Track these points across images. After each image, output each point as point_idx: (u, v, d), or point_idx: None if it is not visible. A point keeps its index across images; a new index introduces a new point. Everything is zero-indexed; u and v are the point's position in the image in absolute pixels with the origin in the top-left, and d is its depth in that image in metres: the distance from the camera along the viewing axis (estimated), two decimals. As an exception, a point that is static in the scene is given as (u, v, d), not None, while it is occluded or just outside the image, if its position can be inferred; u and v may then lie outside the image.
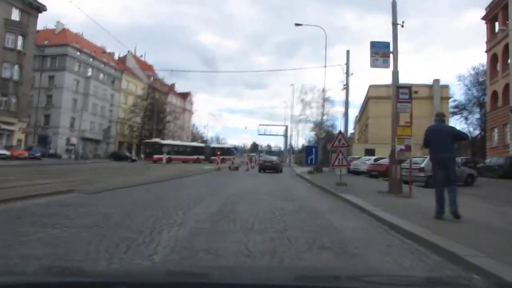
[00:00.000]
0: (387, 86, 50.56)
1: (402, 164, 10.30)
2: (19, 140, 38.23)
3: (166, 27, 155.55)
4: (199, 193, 10.08)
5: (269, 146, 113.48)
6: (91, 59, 53.39)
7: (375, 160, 22.57)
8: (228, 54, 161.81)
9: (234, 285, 1.28)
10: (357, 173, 21.82)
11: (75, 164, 31.45)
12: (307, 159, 22.30)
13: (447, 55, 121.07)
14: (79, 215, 5.79)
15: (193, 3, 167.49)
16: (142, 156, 48.11)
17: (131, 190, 10.33)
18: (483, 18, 35.45)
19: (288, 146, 60.65)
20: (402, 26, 11.51)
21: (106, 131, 54.69)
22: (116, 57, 64.74)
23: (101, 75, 55.43)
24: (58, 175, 14.97)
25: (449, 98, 50.56)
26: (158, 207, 6.96)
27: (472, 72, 49.59)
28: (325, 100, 35.22)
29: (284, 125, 60.37)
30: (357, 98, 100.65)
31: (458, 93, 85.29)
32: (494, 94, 33.48)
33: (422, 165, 14.68)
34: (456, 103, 52.48)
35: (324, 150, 28.79)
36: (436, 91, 47.80)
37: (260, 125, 67.87)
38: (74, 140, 45.90)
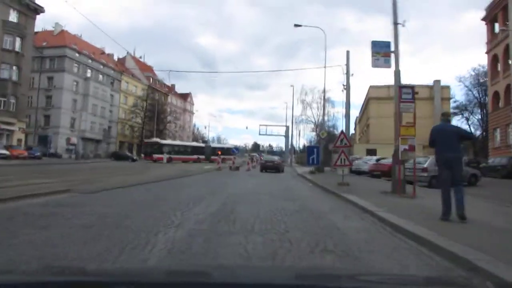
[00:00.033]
0: (387, 86, 50.70)
1: (405, 164, 10.15)
2: (19, 140, 38.20)
3: (165, 28, 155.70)
4: (199, 193, 9.94)
5: (270, 146, 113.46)
6: (90, 60, 53.28)
7: (377, 160, 22.41)
8: (227, 55, 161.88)
9: (234, 285, 1.28)
10: (359, 173, 21.64)
11: (75, 163, 31.32)
12: (309, 159, 22.11)
13: (446, 57, 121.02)
14: (75, 215, 5.64)
15: (193, 4, 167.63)
16: (142, 156, 47.93)
17: (130, 190, 10.19)
18: (483, 19, 35.29)
19: (289, 146, 60.43)
20: (403, 25, 11.31)
21: (106, 131, 54.60)
22: (115, 58, 64.62)
23: (100, 76, 55.33)
24: (57, 174, 14.82)
25: (450, 98, 50.47)
26: (156, 207, 6.81)
27: (473, 73, 49.46)
28: (326, 100, 34.96)
29: (285, 126, 60.19)
30: (357, 99, 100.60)
31: (458, 94, 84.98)
32: (496, 94, 33.32)
33: (425, 165, 14.53)
34: (457, 103, 52.34)
35: (326, 150, 28.63)
36: (437, 92, 47.69)
37: (261, 125, 67.83)
38: (74, 140, 45.77)
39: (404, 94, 9.63)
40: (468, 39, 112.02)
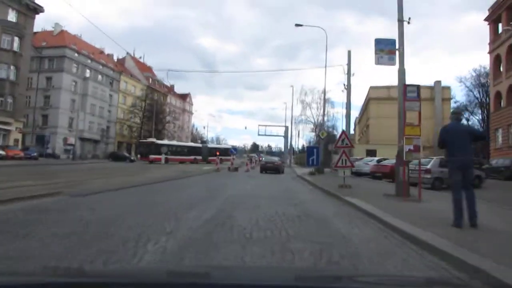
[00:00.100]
0: (387, 87, 50.44)
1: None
2: (16, 140, 37.83)
3: (165, 29, 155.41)
4: (195, 196, 9.56)
5: (269, 146, 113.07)
6: (89, 61, 52.89)
7: (378, 161, 22.02)
8: (227, 57, 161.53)
9: (234, 285, 1.27)
10: (359, 174, 21.25)
11: (72, 164, 30.88)
12: (309, 159, 21.75)
13: (446, 57, 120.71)
14: (57, 222, 5.24)
15: (193, 6, 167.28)
16: (138, 156, 47.33)
17: (122, 193, 9.76)
18: (486, 19, 34.91)
19: (289, 147, 60.05)
20: (409, 22, 10.97)
21: (104, 131, 54.14)
22: (115, 58, 64.22)
23: (100, 76, 54.91)
24: (50, 176, 14.39)
25: (451, 99, 50.16)
26: (148, 212, 6.42)
27: (474, 73, 49.18)
28: (326, 100, 34.56)
29: (284, 126, 59.78)
30: (356, 100, 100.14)
31: (458, 95, 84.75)
32: (498, 95, 32.98)
33: (428, 166, 14.16)
34: (457, 104, 52.03)
35: (325, 150, 28.26)
36: (438, 93, 47.40)
37: (260, 125, 67.34)
38: (71, 140, 45.28)
39: (409, 92, 9.24)
40: (468, 40, 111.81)
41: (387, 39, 10.90)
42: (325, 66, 28.94)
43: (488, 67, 41.26)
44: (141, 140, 50.46)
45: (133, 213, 6.27)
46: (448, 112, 48.53)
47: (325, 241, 4.65)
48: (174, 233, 4.81)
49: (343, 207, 8.31)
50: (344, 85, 23.00)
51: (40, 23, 54.16)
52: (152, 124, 56.22)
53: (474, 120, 51.69)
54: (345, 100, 23.02)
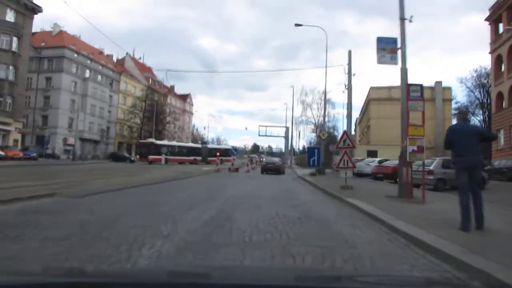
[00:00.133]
0: (388, 88, 50.28)
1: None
2: (16, 141, 37.69)
3: (165, 30, 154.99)
4: (194, 197, 9.39)
5: (270, 147, 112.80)
6: (88, 61, 52.74)
7: (380, 162, 21.85)
8: (227, 57, 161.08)
9: (234, 285, 1.26)
10: (360, 175, 21.07)
11: (71, 164, 30.73)
12: (309, 160, 21.57)
13: (446, 58, 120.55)
14: (51, 224, 5.07)
15: (192, 6, 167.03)
16: (137, 157, 47.04)
17: (120, 194, 9.58)
18: (487, 19, 34.74)
19: (289, 148, 59.85)
20: (411, 21, 10.78)
21: (104, 132, 53.99)
22: (114, 59, 64.09)
23: (99, 77, 54.77)
24: (48, 176, 14.22)
25: (452, 100, 49.94)
26: (146, 213, 6.25)
27: (474, 74, 48.96)
28: (326, 101, 34.36)
29: (285, 127, 59.60)
30: (357, 101, 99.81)
31: (459, 96, 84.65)
32: (499, 95, 32.78)
33: (431, 167, 14.00)
34: (458, 105, 51.84)
35: (326, 151, 28.09)
36: (438, 93, 47.18)
37: (260, 126, 67.10)
38: (71, 140, 45.14)
39: (413, 92, 9.07)
40: (468, 40, 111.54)
41: (389, 38, 10.75)
42: (326, 66, 28.72)
43: (489, 68, 41.11)
44: (140, 141, 50.17)
45: (130, 215, 6.10)
46: (449, 113, 48.38)
47: (327, 245, 4.48)
48: (171, 236, 4.64)
49: (344, 208, 8.14)
50: (345, 85, 22.84)
51: (39, 23, 53.85)
52: (152, 124, 56.04)
53: (475, 121, 51.46)
54: (345, 101, 22.86)
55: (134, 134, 60.01)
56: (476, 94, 50.63)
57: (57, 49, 48.20)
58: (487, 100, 48.02)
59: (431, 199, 9.01)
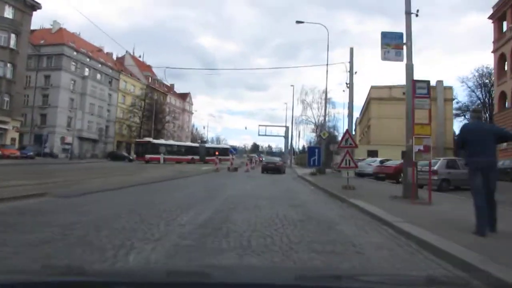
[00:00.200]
0: (389, 87, 49.90)
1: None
2: (13, 139, 37.27)
3: (165, 29, 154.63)
4: (191, 197, 9.03)
5: (269, 147, 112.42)
6: (88, 59, 52.29)
7: (381, 161, 21.51)
8: (227, 56, 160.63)
9: (234, 285, 1.26)
10: (362, 175, 20.70)
11: (69, 164, 30.37)
12: (310, 160, 21.24)
13: (446, 58, 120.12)
14: (35, 227, 4.71)
15: (192, 6, 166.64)
16: (134, 156, 46.49)
17: (113, 194, 9.20)
18: (490, 17, 34.35)
19: (289, 147, 59.49)
20: (417, 15, 10.45)
21: (102, 131, 53.59)
22: (114, 57, 63.67)
23: (98, 75, 54.32)
24: (42, 175, 13.85)
25: (453, 99, 49.55)
26: (137, 215, 5.87)
27: (476, 74, 48.57)
28: (327, 100, 33.97)
29: (285, 126, 59.21)
30: (357, 101, 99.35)
31: (460, 95, 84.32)
32: (502, 95, 32.38)
33: (435, 168, 13.63)
34: (459, 104, 51.48)
35: (327, 151, 27.76)
36: (440, 93, 46.72)
37: (260, 125, 66.60)
38: (69, 139, 44.74)
39: (419, 89, 8.70)
40: (468, 40, 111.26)
41: (393, 33, 10.37)
42: (327, 64, 28.21)
43: (491, 67, 40.75)
44: (137, 140, 49.60)
45: (121, 216, 5.74)
46: (450, 112, 47.99)
47: (332, 249, 4.14)
48: (163, 240, 4.29)
49: (347, 209, 7.78)
50: (346, 83, 22.43)
51: (39, 21, 53.44)
52: (151, 123, 55.63)
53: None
54: (346, 101, 22.59)
55: (133, 133, 59.54)
56: (477, 93, 50.25)
57: (56, 47, 47.76)
58: (489, 100, 47.65)
59: (436, 200, 8.65)
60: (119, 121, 58.81)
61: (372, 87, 51.79)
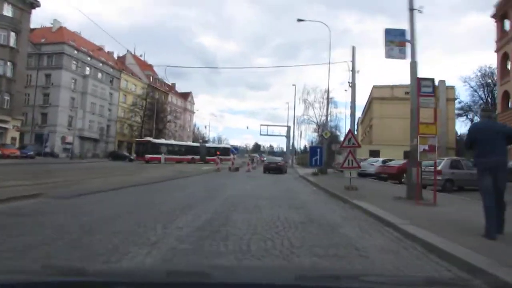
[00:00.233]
0: (391, 86, 49.66)
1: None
2: (14, 139, 37.12)
3: (166, 29, 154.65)
4: (190, 198, 8.84)
5: (271, 146, 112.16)
6: (88, 58, 52.10)
7: (384, 161, 21.30)
8: (228, 56, 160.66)
9: (234, 285, 1.26)
10: (364, 175, 20.48)
11: (69, 163, 30.22)
12: (312, 160, 21.06)
13: (446, 58, 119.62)
14: (27, 229, 4.54)
15: (193, 5, 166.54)
16: (134, 155, 46.19)
17: (111, 194, 9.00)
18: (493, 16, 34.05)
19: (291, 147, 59.27)
20: (421, 11, 10.25)
21: (103, 130, 53.45)
22: (115, 56, 63.53)
23: (99, 74, 54.15)
24: (39, 175, 13.69)
25: (455, 99, 49.30)
26: (134, 217, 5.71)
27: (478, 73, 48.25)
28: (329, 99, 33.73)
29: (287, 126, 58.97)
30: (359, 100, 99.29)
31: (462, 95, 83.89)
32: (505, 94, 32.09)
33: (438, 168, 13.40)
34: (461, 104, 51.19)
35: (329, 151, 27.54)
36: (442, 93, 46.44)
37: (262, 125, 66.22)
38: (70, 138, 44.60)
39: (424, 87, 8.50)
40: (468, 40, 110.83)
41: (397, 30, 10.16)
42: (329, 63, 28.04)
43: (494, 66, 40.45)
44: (137, 139, 49.32)
45: (117, 218, 5.57)
46: (452, 112, 47.72)
47: (335, 253, 3.96)
48: (160, 243, 4.11)
49: (351, 211, 7.58)
50: (349, 82, 22.24)
51: (39, 20, 53.12)
52: (153, 123, 55.44)
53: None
54: (348, 100, 22.34)
55: (134, 133, 59.34)
56: (480, 93, 49.94)
57: (57, 45, 47.58)
58: (491, 99, 47.34)
59: (441, 201, 8.45)
60: (120, 121, 58.66)
61: (374, 87, 51.56)
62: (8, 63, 34.78)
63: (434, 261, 3.79)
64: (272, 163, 28.34)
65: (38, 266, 2.69)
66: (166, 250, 3.84)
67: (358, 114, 66.78)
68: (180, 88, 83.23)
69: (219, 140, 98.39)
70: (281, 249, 4.07)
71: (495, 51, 33.87)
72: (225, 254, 3.80)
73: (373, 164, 21.80)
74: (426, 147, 8.04)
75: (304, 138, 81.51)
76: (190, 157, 48.28)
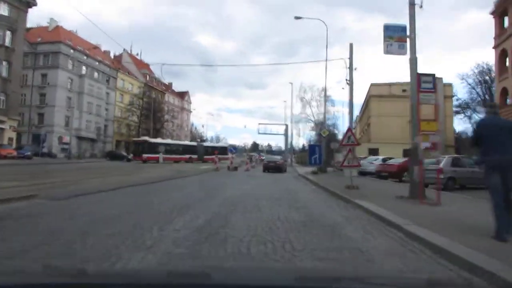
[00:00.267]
0: (388, 84, 49.53)
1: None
2: (10, 139, 36.82)
3: (164, 27, 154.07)
4: (189, 198, 8.65)
5: (269, 145, 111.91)
6: (85, 57, 51.75)
7: (384, 160, 21.13)
8: (226, 55, 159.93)
9: (234, 285, 1.27)
10: (363, 173, 20.31)
11: (66, 164, 29.97)
12: (311, 158, 20.90)
13: (445, 56, 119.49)
14: (18, 233, 4.36)
15: (191, 4, 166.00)
16: (131, 155, 45.85)
17: (107, 195, 8.79)
18: (492, 13, 33.95)
19: (289, 145, 59.13)
20: (421, 6, 10.07)
21: (100, 130, 53.12)
22: (111, 55, 63.15)
23: (96, 74, 53.81)
24: (36, 176, 13.49)
25: (453, 96, 49.24)
26: (130, 219, 5.51)
27: (476, 70, 48.11)
28: (327, 97, 33.53)
29: (285, 124, 58.84)
30: (356, 99, 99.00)
31: (460, 92, 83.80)
32: (504, 91, 32.01)
33: (440, 166, 13.26)
34: (459, 102, 51.08)
35: (327, 149, 27.39)
36: (440, 90, 46.12)
37: (259, 124, 65.98)
38: (67, 139, 44.30)
39: (424, 83, 8.36)
40: (467, 38, 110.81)
41: (396, 25, 9.98)
42: (326, 60, 27.84)
43: (491, 63, 40.39)
44: (134, 139, 48.93)
45: (112, 220, 5.38)
46: (450, 110, 47.62)
47: (339, 257, 3.80)
48: (155, 247, 3.93)
49: (353, 211, 7.41)
50: (346, 80, 22.04)
51: (35, 19, 52.99)
52: (150, 122, 55.13)
53: (476, 118, 50.69)
54: (345, 99, 22.22)
55: (132, 132, 58.97)
56: (477, 90, 49.80)
57: (53, 45, 47.19)
58: (489, 96, 47.25)
59: (444, 200, 8.26)
60: (117, 120, 58.35)
61: (372, 85, 51.43)
62: (4, 63, 34.47)
63: (444, 265, 3.62)
64: (271, 162, 28.26)
65: (38, 267, 2.68)
66: (161, 255, 3.65)
67: (356, 112, 66.73)
68: (178, 87, 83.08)
69: (217, 139, 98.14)
70: (282, 252, 3.89)
71: (493, 48, 33.78)
72: (223, 259, 3.64)
73: (373, 163, 21.63)
74: (428, 145, 7.88)
75: (302, 137, 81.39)
76: (187, 156, 48.00)
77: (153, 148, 42.88)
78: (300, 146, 66.55)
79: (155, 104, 59.39)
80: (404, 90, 46.35)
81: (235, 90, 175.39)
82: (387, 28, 9.99)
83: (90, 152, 50.38)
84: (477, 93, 50.05)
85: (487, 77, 47.58)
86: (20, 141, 41.08)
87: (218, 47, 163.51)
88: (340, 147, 19.42)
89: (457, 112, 52.01)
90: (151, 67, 66.25)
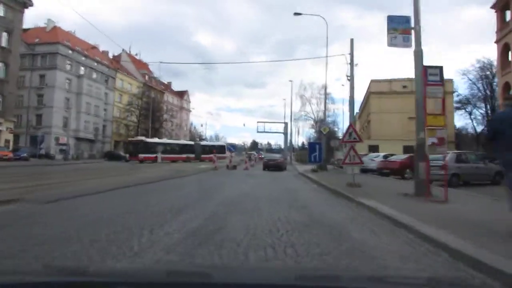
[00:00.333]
0: (389, 80, 49.18)
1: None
2: (7, 141, 36.44)
3: (163, 27, 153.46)
4: (185, 199, 8.27)
5: (269, 144, 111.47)
6: (83, 58, 51.34)
7: (385, 156, 20.77)
8: (226, 54, 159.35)
9: (234, 285, 1.25)
10: (365, 171, 19.94)
11: (63, 165, 29.59)
12: (311, 156, 20.51)
13: (445, 52, 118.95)
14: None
15: (190, 3, 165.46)
16: (127, 155, 45.39)
17: (98, 197, 8.37)
18: (493, 7, 33.55)
19: (289, 143, 58.77)
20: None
21: (98, 131, 52.71)
22: (110, 55, 62.74)
23: (94, 74, 53.43)
24: (27, 178, 13.10)
25: (453, 92, 48.89)
26: (119, 222, 5.13)
27: (477, 66, 47.69)
28: (327, 94, 33.15)
29: (284, 122, 58.46)
30: (356, 96, 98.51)
31: (460, 88, 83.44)
32: (506, 86, 31.62)
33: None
34: (460, 97, 50.71)
35: (327, 147, 27.03)
36: (441, 85, 45.87)
37: (258, 122, 65.57)
38: (65, 139, 43.91)
39: (431, 75, 7.97)
40: (468, 34, 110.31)
41: (401, 17, 9.61)
42: (326, 56, 27.40)
43: (492, 59, 40.01)
44: (129, 139, 48.26)
45: (98, 224, 5.00)
46: (450, 105, 47.25)
47: (348, 263, 3.42)
48: (142, 254, 3.56)
49: (357, 210, 7.03)
50: (347, 76, 21.70)
51: (33, 20, 52.47)
52: (149, 122, 54.74)
53: (477, 114, 50.35)
54: (345, 96, 21.88)
55: (130, 133, 58.52)
56: (478, 86, 49.39)
57: (51, 45, 46.82)
58: (490, 92, 46.88)
59: (451, 198, 7.89)
60: (116, 120, 57.97)
61: (372, 81, 51.11)
62: (0, 64, 34.08)
63: (460, 268, 3.27)
64: (271, 160, 28.06)
65: (39, 266, 2.81)
66: (150, 262, 3.29)
67: (356, 109, 66.35)
68: (177, 86, 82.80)
69: (217, 138, 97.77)
70: (283, 257, 3.53)
71: (495, 42, 33.39)
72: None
73: (374, 160, 21.27)
74: (435, 140, 7.51)
75: (302, 135, 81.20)
76: (185, 155, 47.52)
77: (150, 148, 42.40)
78: (300, 144, 66.33)
79: (154, 104, 59.00)
80: (404, 86, 46.12)
81: (234, 89, 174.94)
82: (391, 20, 9.62)
83: (88, 152, 50.05)
84: (478, 88, 49.68)
85: (488, 72, 47.23)
86: (18, 142, 40.72)
87: (218, 46, 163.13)
88: (340, 144, 19.08)
89: (458, 108, 51.66)
90: (150, 67, 65.90)
